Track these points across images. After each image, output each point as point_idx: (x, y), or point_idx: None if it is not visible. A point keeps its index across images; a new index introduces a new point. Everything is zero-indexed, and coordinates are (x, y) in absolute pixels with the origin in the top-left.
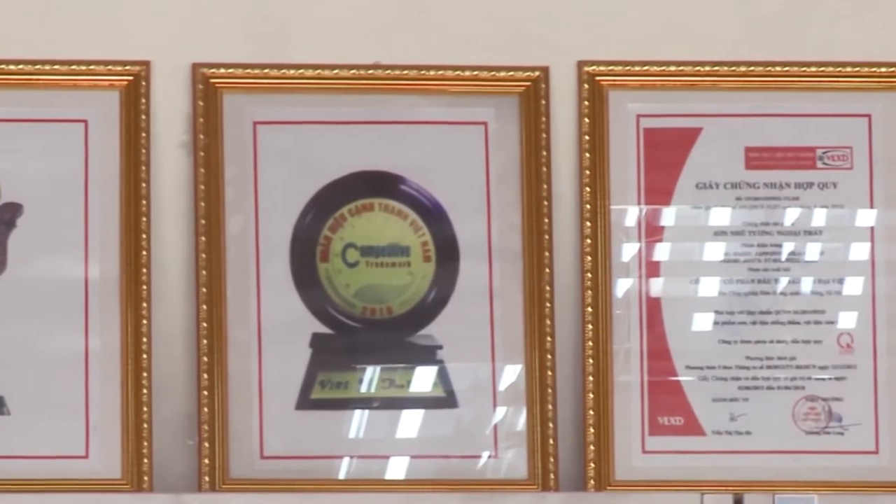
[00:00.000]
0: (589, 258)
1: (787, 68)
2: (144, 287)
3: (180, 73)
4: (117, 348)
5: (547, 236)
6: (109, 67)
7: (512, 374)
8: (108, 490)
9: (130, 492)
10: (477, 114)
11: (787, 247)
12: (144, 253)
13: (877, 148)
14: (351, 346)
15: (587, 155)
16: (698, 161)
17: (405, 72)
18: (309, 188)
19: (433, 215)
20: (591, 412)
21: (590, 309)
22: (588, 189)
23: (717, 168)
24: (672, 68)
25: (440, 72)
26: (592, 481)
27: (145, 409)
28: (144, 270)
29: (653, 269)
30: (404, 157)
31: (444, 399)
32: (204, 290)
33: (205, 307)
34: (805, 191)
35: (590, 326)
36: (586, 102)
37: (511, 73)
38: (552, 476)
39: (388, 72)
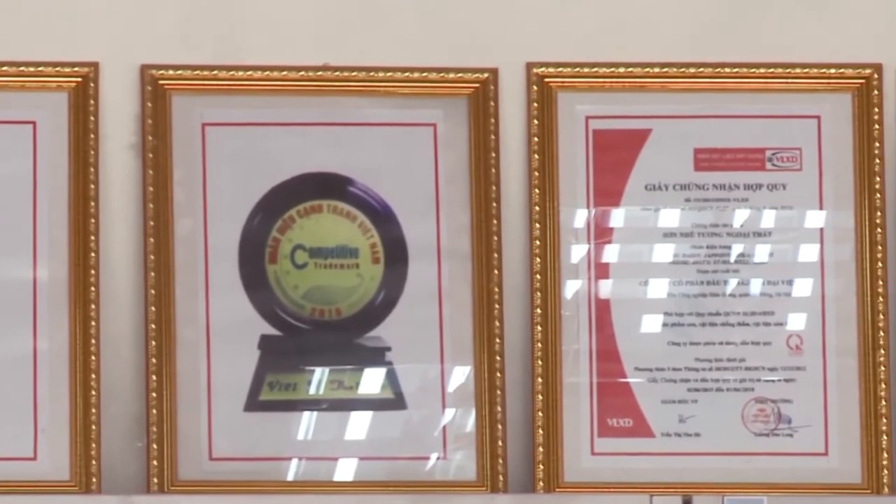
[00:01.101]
0: (538, 259)
1: (736, 70)
2: (93, 289)
3: (129, 74)
4: (66, 350)
5: (496, 238)
6: (58, 69)
7: (461, 375)
8: (56, 492)
9: (79, 493)
10: (426, 115)
11: (737, 248)
12: (93, 254)
13: (826, 149)
14: (299, 348)
15: (536, 156)
16: (647, 162)
17: (354, 73)
18: (257, 190)
19: (382, 217)
20: (541, 414)
21: (539, 310)
22: (537, 190)
23: (667, 169)
24: (621, 70)
25: (389, 73)
26: (541, 483)
27: (94, 410)
28: (93, 272)
29: (602, 270)
30: (353, 159)
31: (393, 401)
32: (152, 291)
33: (153, 309)
34: (754, 192)
35: (539, 328)
36: (535, 104)
37: (460, 74)
38: (501, 478)
39: (336, 73)
